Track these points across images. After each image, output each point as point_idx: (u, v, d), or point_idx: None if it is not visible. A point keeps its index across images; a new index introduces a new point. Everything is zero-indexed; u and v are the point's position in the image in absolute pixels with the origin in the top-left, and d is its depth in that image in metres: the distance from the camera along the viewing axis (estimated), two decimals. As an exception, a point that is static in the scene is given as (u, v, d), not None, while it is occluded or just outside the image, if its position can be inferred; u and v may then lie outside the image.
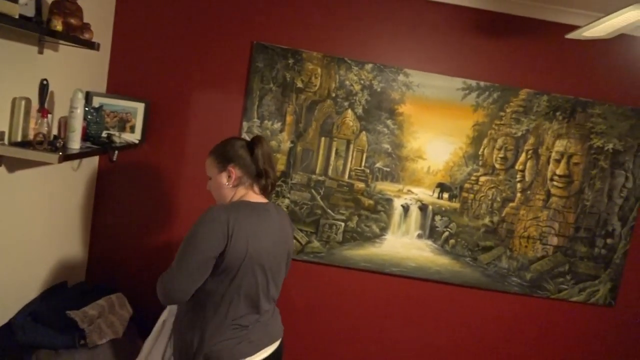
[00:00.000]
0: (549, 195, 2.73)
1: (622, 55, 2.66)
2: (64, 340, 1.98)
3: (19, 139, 1.83)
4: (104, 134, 2.35)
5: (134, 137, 2.53)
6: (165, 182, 2.69)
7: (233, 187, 1.80)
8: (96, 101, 2.41)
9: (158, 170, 2.67)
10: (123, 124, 2.51)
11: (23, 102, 1.81)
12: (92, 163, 2.61)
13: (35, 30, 1.64)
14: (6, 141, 1.80)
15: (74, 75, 2.27)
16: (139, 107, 2.54)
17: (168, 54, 2.62)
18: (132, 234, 2.71)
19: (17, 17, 1.44)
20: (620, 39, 2.57)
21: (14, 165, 1.89)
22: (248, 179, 1.80)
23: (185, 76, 2.63)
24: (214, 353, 1.67)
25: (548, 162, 2.72)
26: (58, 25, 1.71)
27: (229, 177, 1.79)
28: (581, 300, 2.80)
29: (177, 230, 2.71)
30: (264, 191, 1.83)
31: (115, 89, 2.61)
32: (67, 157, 1.87)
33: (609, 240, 2.76)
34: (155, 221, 2.71)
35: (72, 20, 1.82)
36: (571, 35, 1.75)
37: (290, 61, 2.61)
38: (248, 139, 1.88)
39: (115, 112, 2.49)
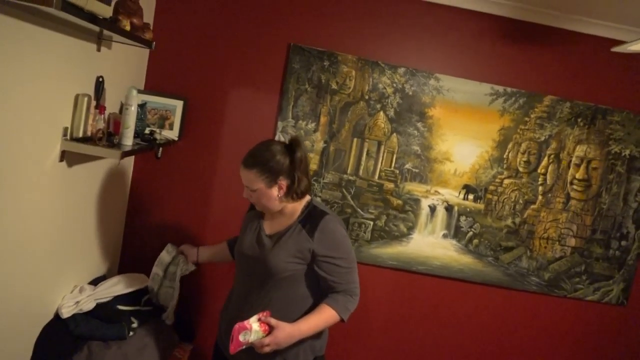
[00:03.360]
0: (568, 198, 2.85)
1: (641, 65, 2.78)
2: (114, 331, 2.03)
3: (80, 135, 1.87)
4: (146, 131, 2.39)
5: (173, 134, 2.57)
6: (200, 179, 2.73)
7: (284, 197, 1.78)
8: (139, 98, 2.44)
9: (193, 167, 2.72)
10: (163, 121, 2.55)
11: (85, 99, 1.85)
12: (130, 159, 2.65)
13: (111, 29, 1.68)
14: (68, 137, 1.84)
15: (121, 73, 2.30)
16: (178, 105, 2.58)
17: (206, 53, 2.66)
18: (165, 229, 2.75)
19: (108, 18, 1.48)
20: (641, 51, 2.69)
21: (72, 160, 1.92)
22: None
23: (223, 75, 2.68)
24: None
25: (569, 167, 2.83)
26: (127, 25, 1.75)
27: (280, 189, 1.76)
28: (595, 299, 2.92)
29: (210, 226, 2.76)
30: (305, 194, 1.84)
31: (153, 86, 2.64)
32: (125, 153, 1.92)
33: (623, 242, 2.89)
34: (189, 217, 2.75)
35: (135, 20, 1.86)
36: (617, 49, 1.85)
37: (326, 63, 2.67)
38: (283, 139, 1.90)
39: (156, 109, 2.53)
